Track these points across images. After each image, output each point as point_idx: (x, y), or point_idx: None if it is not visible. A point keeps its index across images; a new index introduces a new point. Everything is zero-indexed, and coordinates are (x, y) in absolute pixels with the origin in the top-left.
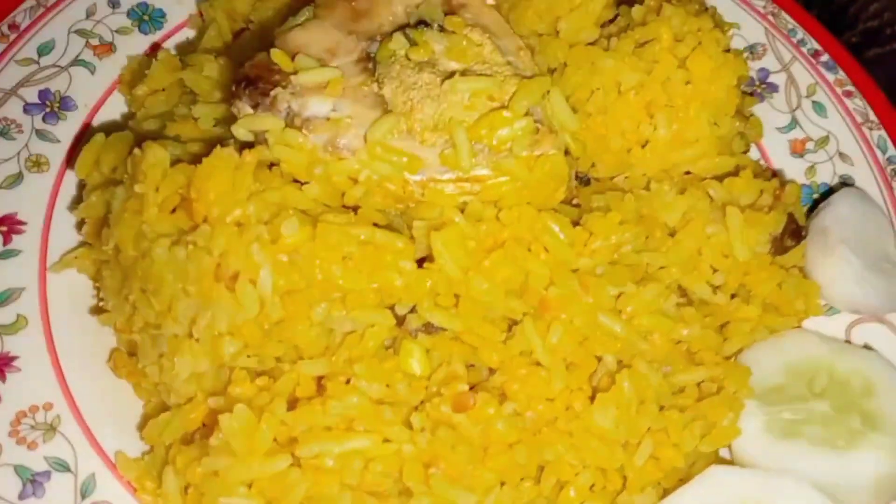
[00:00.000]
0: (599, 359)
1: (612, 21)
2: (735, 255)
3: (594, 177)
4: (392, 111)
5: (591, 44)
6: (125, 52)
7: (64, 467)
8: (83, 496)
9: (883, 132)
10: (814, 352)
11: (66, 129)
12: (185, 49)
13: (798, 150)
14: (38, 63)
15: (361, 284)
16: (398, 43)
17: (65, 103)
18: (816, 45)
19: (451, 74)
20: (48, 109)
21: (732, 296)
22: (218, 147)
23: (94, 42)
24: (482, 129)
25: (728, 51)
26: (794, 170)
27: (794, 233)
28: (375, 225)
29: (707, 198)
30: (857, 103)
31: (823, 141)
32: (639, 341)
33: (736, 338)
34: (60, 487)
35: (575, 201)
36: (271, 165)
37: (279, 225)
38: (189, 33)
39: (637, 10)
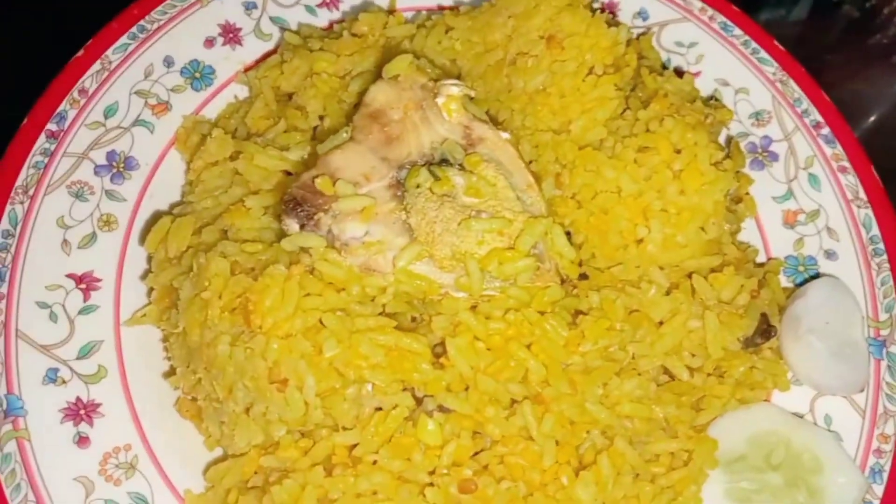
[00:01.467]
0: (588, 433)
1: (622, 112)
2: (710, 351)
3: (594, 266)
4: (417, 239)
5: (599, 143)
6: (180, 110)
7: (143, 501)
8: None
9: (870, 210)
10: (775, 425)
11: (132, 188)
12: (234, 109)
13: (790, 221)
14: (104, 125)
15: (388, 380)
16: (423, 177)
17: (129, 163)
18: (819, 117)
19: (469, 209)
20: (115, 170)
21: (709, 374)
22: (271, 266)
23: (153, 102)
24: (492, 262)
25: (721, 161)
26: (784, 240)
27: (765, 332)
28: (397, 327)
29: (690, 295)
30: (850, 180)
31: (814, 214)
32: (621, 422)
33: (709, 411)
34: None
35: (574, 291)
36: (313, 270)
37: (321, 340)
38: (236, 89)
39: (643, 114)
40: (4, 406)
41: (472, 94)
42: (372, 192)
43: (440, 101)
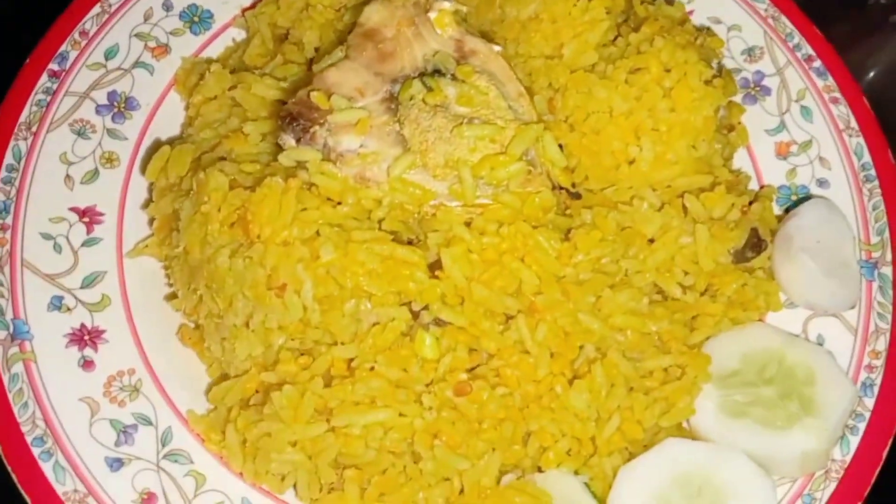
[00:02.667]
0: (582, 347)
1: (614, 40)
2: (701, 264)
3: (587, 188)
4: (410, 149)
5: (591, 67)
6: (179, 52)
7: (147, 421)
8: (163, 445)
9: (861, 139)
10: (768, 343)
11: (132, 127)
12: (233, 50)
13: (782, 153)
14: (105, 66)
15: (384, 290)
16: (416, 88)
17: (129, 103)
18: (811, 51)
19: (461, 118)
20: (116, 110)
21: (702, 293)
22: (268, 178)
23: (152, 45)
24: (484, 168)
25: (711, 80)
26: (777, 171)
27: (755, 246)
28: (394, 240)
29: (681, 213)
30: (842, 110)
31: (806, 145)
32: (614, 335)
33: (702, 330)
34: (145, 437)
35: (568, 211)
36: (310, 186)
37: (318, 246)
38: (234, 32)
39: (634, 37)
40: (11, 329)
41: (464, 9)
42: (367, 106)
43: (432, 15)
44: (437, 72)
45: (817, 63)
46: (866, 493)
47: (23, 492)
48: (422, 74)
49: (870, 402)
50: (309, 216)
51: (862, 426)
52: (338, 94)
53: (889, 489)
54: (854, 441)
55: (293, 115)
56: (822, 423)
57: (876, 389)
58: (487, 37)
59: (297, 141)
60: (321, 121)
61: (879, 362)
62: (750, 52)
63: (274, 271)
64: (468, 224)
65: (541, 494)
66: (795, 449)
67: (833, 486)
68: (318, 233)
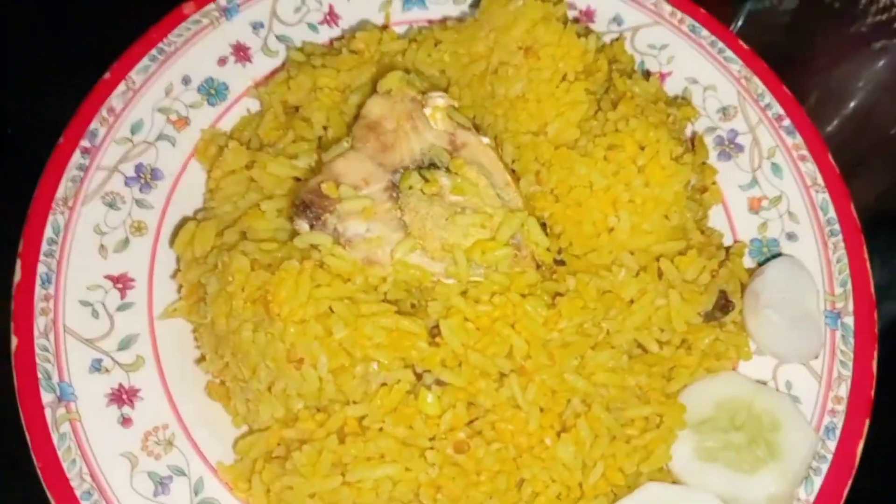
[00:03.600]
0: (569, 401)
1: (595, 113)
2: (674, 325)
3: (572, 253)
4: (411, 234)
5: (574, 142)
6: (198, 123)
7: (181, 472)
8: (196, 493)
9: (826, 195)
10: (738, 391)
11: (158, 197)
12: (248, 121)
13: (755, 208)
14: (131, 141)
15: (390, 357)
16: (415, 179)
17: (154, 174)
18: (780, 110)
19: (455, 206)
20: (143, 181)
21: (678, 347)
22: (285, 262)
23: (174, 117)
24: (476, 252)
25: (682, 155)
26: (749, 225)
27: (723, 307)
28: (398, 312)
29: (657, 278)
30: (809, 167)
31: (777, 200)
32: (597, 390)
33: (678, 379)
34: (180, 487)
35: (554, 276)
36: (322, 264)
37: (331, 323)
38: (248, 103)
39: (612, 115)
40: (58, 392)
41: (456, 104)
42: (371, 194)
43: (427, 111)
44: (433, 164)
45: (786, 122)
46: None
47: None
48: (419, 167)
49: (832, 445)
50: (322, 293)
51: (825, 467)
52: (345, 183)
53: None
54: (818, 481)
55: (306, 203)
56: (785, 468)
57: (838, 433)
58: (478, 126)
59: (311, 226)
60: (331, 208)
61: (841, 407)
62: (724, 111)
63: (292, 347)
64: (464, 293)
65: None
66: (762, 492)
67: None
68: (330, 308)
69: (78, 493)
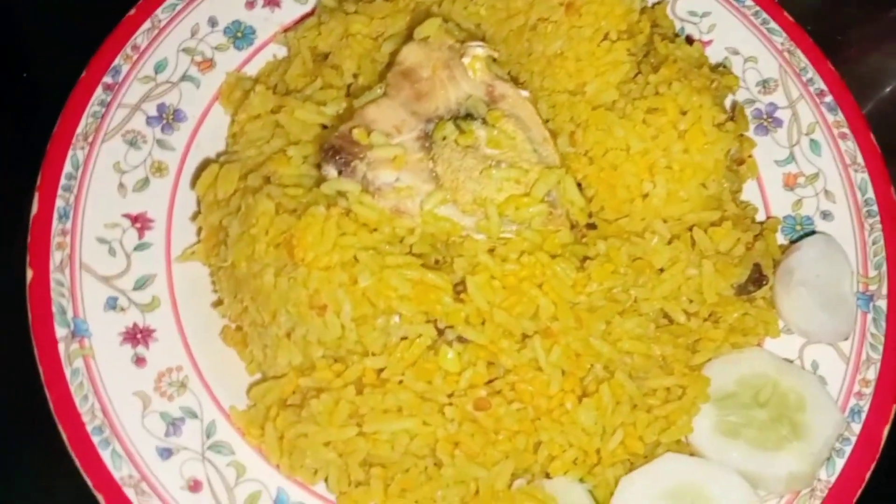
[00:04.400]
0: (592, 366)
1: (634, 76)
2: (705, 296)
3: (603, 218)
4: (442, 186)
5: (611, 104)
6: (223, 67)
7: (193, 415)
8: (208, 437)
9: (866, 175)
10: (764, 368)
11: (180, 138)
12: (274, 67)
13: (790, 184)
14: (155, 80)
15: (414, 310)
16: (449, 130)
17: (177, 115)
18: (823, 86)
19: (490, 160)
20: (165, 121)
21: (705, 319)
22: (312, 206)
23: (198, 59)
24: (509, 208)
25: (724, 123)
26: (784, 201)
27: (757, 281)
28: (423, 264)
29: (689, 246)
30: (849, 145)
31: (813, 177)
32: (621, 357)
33: (703, 353)
34: (192, 429)
35: (584, 240)
36: (349, 212)
37: (356, 272)
38: (275, 49)
39: (653, 78)
40: (73, 327)
41: (496, 55)
42: (403, 143)
43: (466, 60)
44: (469, 115)
45: (829, 98)
46: None
47: (84, 475)
48: (454, 117)
49: (857, 428)
50: (348, 241)
51: (848, 449)
52: (377, 130)
53: None
54: (840, 463)
55: (336, 149)
56: (808, 448)
57: (863, 416)
58: (516, 80)
59: (339, 173)
60: (361, 155)
61: (869, 390)
62: (765, 84)
63: (316, 293)
64: (492, 251)
65: (548, 499)
66: (782, 470)
67: (817, 503)
68: (355, 258)
69: (89, 428)
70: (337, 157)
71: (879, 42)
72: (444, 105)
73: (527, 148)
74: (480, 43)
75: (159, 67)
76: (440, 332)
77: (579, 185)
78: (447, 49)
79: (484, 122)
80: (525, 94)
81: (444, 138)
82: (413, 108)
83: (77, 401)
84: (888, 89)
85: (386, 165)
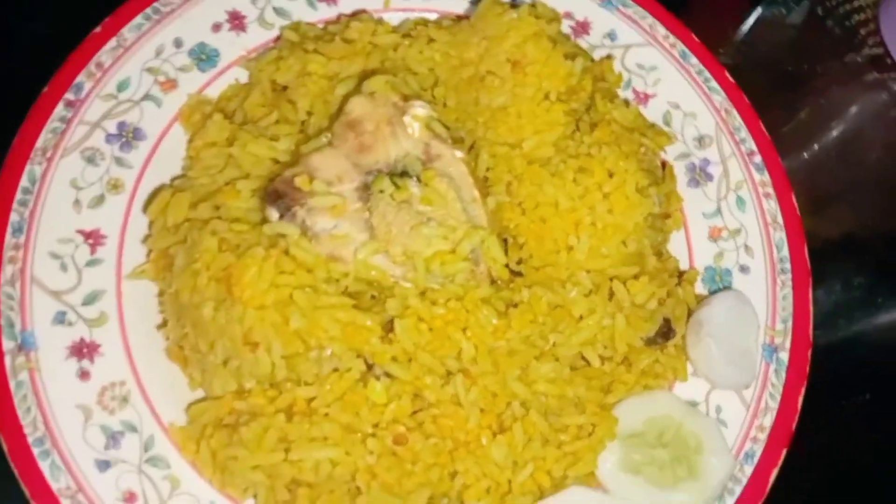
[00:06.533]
0: (509, 404)
1: (573, 132)
2: (616, 346)
3: (531, 265)
4: (376, 236)
5: (546, 160)
6: (186, 88)
7: (133, 429)
8: (145, 450)
9: (783, 234)
10: (670, 411)
11: (138, 156)
12: (235, 91)
13: (714, 236)
14: (116, 98)
15: (343, 349)
16: (386, 184)
17: (136, 133)
18: (753, 146)
19: (422, 215)
20: (124, 139)
21: (619, 363)
22: (252, 248)
23: (161, 79)
24: (435, 262)
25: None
26: (707, 252)
27: (665, 335)
28: (355, 306)
29: (607, 299)
30: (772, 205)
31: (736, 232)
32: (537, 397)
33: (616, 393)
34: (131, 443)
35: (511, 285)
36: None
37: (289, 312)
38: (237, 72)
39: (587, 138)
40: (19, 340)
41: (435, 115)
42: (342, 192)
43: (407, 119)
44: (405, 173)
45: (757, 158)
46: None
47: (22, 485)
48: (392, 173)
49: (749, 470)
50: (285, 280)
51: (738, 489)
52: (319, 178)
53: None
54: (730, 502)
55: (279, 193)
56: (702, 487)
57: (756, 459)
58: (456, 136)
59: (280, 216)
60: (302, 201)
61: (763, 436)
62: (700, 140)
63: (249, 330)
64: (422, 294)
65: None
66: None
67: None
68: (291, 296)
69: (30, 439)
70: (279, 202)
71: (841, 81)
72: (384, 159)
73: (456, 207)
74: (422, 103)
75: (122, 86)
76: (369, 367)
77: (505, 240)
78: (391, 105)
79: (419, 179)
80: (460, 154)
81: (381, 191)
82: (355, 159)
83: (20, 413)
84: (841, 127)
85: (325, 213)
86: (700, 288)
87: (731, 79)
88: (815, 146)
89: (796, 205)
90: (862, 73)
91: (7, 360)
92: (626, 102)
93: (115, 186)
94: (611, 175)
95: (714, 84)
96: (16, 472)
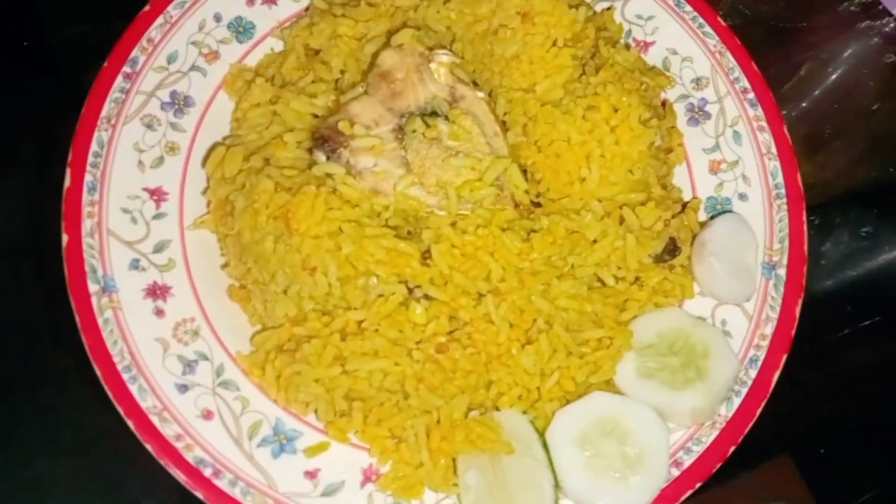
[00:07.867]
0: (535, 320)
1: (580, 76)
2: (628, 263)
3: (548, 198)
4: (411, 171)
5: (557, 101)
6: (227, 58)
7: (205, 357)
8: (217, 376)
9: (777, 163)
10: (679, 324)
11: (190, 122)
12: (272, 59)
13: (714, 169)
14: (167, 69)
15: (387, 272)
16: (418, 124)
17: (187, 101)
18: (747, 84)
19: (451, 150)
20: (177, 106)
21: (632, 283)
22: (304, 186)
23: (205, 51)
24: (465, 190)
25: (649, 119)
26: (708, 184)
27: (671, 252)
28: (396, 235)
29: (618, 222)
30: (766, 137)
31: (734, 164)
32: (559, 313)
33: (630, 311)
34: (204, 370)
35: (531, 216)
36: (335, 191)
37: (341, 240)
38: (272, 42)
39: (594, 79)
40: (103, 284)
41: (458, 61)
42: (380, 134)
43: (433, 66)
44: (434, 113)
45: (751, 95)
46: (740, 440)
47: (117, 406)
48: (422, 114)
49: (753, 373)
50: (334, 215)
51: (744, 391)
52: (358, 123)
53: (758, 439)
54: (736, 402)
55: (324, 137)
56: (709, 387)
57: (759, 364)
58: (476, 81)
59: (327, 158)
60: (345, 144)
61: (765, 343)
62: (697, 81)
63: (307, 257)
64: (453, 225)
65: (496, 427)
66: (687, 405)
67: (716, 433)
68: (340, 229)
69: (119, 367)
70: (325, 145)
71: (835, 32)
72: (415, 103)
73: (481, 140)
74: (446, 51)
75: (171, 59)
76: (410, 291)
77: (525, 171)
78: (418, 55)
79: (446, 118)
80: (481, 94)
81: (414, 131)
82: (389, 104)
83: (108, 345)
84: (836, 76)
85: (366, 153)
86: (703, 217)
87: (723, 22)
88: (816, 95)
89: (788, 136)
90: (855, 22)
91: (94, 301)
92: (627, 46)
93: (172, 149)
94: (616, 110)
95: (708, 29)
96: (110, 394)
